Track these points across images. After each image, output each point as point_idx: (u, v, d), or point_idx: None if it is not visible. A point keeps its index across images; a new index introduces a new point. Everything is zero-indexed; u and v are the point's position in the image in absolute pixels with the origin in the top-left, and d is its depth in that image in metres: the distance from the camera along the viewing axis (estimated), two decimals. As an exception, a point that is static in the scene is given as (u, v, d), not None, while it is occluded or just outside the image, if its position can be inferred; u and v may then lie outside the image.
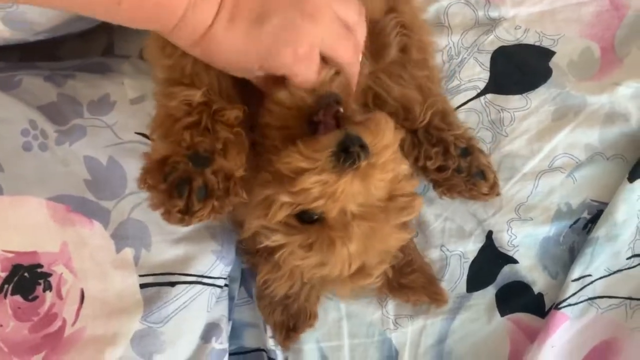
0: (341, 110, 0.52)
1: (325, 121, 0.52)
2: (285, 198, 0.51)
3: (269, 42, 0.48)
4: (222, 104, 0.53)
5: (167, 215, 0.49)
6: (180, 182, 0.48)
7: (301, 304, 0.67)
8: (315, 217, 0.53)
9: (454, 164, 0.63)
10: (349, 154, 0.48)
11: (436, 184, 0.66)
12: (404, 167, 0.56)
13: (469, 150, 0.64)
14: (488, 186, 0.64)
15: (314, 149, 0.49)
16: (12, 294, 0.59)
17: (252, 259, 0.67)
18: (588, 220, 0.70)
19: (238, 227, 0.64)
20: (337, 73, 0.54)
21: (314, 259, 0.54)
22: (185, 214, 0.49)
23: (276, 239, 0.54)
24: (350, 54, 0.55)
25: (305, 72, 0.52)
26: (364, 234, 0.53)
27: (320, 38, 0.51)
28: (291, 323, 0.69)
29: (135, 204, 0.64)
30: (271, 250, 0.58)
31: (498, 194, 0.66)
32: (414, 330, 0.71)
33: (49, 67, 0.70)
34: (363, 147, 0.48)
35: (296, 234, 0.53)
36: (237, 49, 0.49)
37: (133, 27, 0.48)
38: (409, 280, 0.68)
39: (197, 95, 0.51)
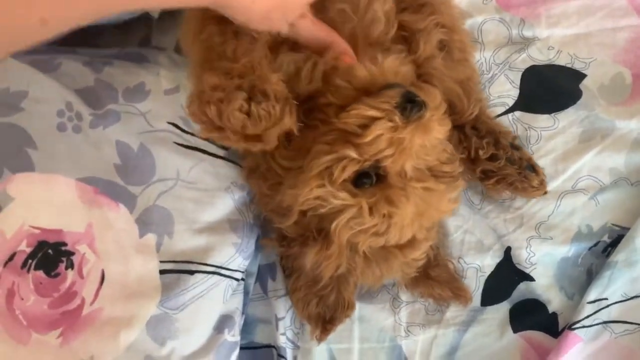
0: None
1: None
2: (352, 153, 0.53)
3: None
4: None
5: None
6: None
7: (339, 293, 0.67)
8: (368, 184, 0.55)
9: (506, 153, 0.65)
10: (415, 102, 0.51)
11: (487, 176, 0.66)
12: (449, 147, 0.59)
13: (516, 146, 0.67)
14: (539, 180, 0.66)
15: (380, 101, 0.52)
16: (35, 269, 0.60)
17: (291, 249, 0.66)
18: (608, 244, 0.69)
19: (280, 216, 0.63)
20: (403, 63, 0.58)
21: (373, 222, 0.55)
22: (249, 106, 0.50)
23: (343, 197, 0.55)
24: None
25: None
26: (420, 196, 0.55)
27: None
28: (327, 315, 0.68)
29: (162, 191, 0.65)
30: (320, 230, 0.59)
31: (545, 192, 0.68)
32: (425, 339, 0.71)
33: (89, 53, 0.71)
34: (417, 101, 0.51)
35: (359, 196, 0.55)
36: None
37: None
38: (436, 273, 0.69)
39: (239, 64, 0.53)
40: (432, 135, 0.54)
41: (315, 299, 0.68)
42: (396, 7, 0.63)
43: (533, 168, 0.66)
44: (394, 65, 0.57)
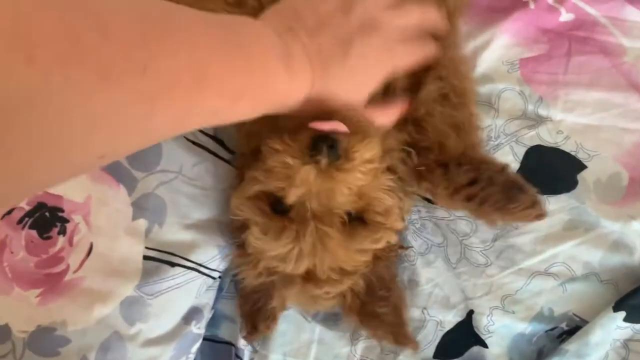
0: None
1: None
2: (256, 174, 0.58)
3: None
4: None
5: None
6: None
7: (266, 303, 0.69)
8: (284, 209, 0.58)
9: (487, 175, 0.60)
10: (317, 148, 0.53)
11: (469, 199, 0.61)
12: (385, 180, 0.60)
13: (503, 170, 0.61)
14: (530, 200, 0.59)
15: (292, 139, 0.55)
16: (30, 227, 0.64)
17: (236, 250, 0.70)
18: (564, 331, 0.71)
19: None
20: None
21: (266, 245, 0.58)
22: None
23: (243, 210, 0.60)
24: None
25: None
26: (318, 236, 0.56)
27: None
28: (256, 319, 0.71)
29: (162, 181, 0.68)
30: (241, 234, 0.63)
31: (542, 215, 0.60)
32: (373, 375, 0.74)
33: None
34: (332, 147, 0.53)
35: (261, 215, 0.59)
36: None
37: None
38: (381, 312, 0.68)
39: None
40: (336, 185, 0.55)
41: (251, 301, 0.70)
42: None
43: (521, 189, 0.59)
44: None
